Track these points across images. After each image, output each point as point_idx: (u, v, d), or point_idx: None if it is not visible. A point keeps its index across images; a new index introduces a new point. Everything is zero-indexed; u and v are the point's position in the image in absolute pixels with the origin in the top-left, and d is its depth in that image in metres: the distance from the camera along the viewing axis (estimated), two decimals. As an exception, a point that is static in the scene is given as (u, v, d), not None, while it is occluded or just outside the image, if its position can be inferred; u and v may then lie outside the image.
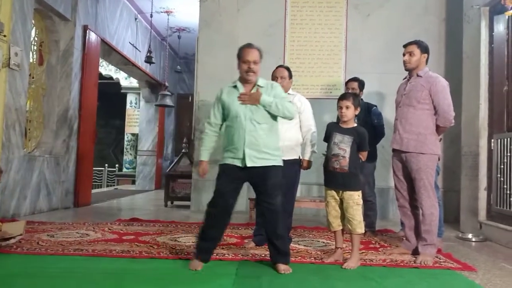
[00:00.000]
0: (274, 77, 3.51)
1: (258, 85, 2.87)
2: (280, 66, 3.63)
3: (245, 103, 2.77)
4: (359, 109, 3.08)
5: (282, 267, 2.75)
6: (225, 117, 2.90)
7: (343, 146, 2.98)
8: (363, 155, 3.07)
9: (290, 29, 5.92)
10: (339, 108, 3.03)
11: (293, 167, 3.42)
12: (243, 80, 2.88)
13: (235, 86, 2.89)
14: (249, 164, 2.75)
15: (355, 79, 4.25)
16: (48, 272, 2.58)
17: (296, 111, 3.40)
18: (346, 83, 4.35)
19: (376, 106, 4.29)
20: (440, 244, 3.62)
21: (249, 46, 2.88)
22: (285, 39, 5.90)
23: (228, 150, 2.84)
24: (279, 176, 2.84)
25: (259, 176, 2.79)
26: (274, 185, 2.80)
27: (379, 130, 4.18)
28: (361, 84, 4.24)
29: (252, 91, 2.82)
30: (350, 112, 3.01)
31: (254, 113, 2.78)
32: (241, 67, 2.86)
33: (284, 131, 3.37)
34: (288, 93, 3.51)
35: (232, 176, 2.80)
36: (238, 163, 2.77)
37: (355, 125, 3.10)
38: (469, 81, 4.81)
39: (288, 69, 3.58)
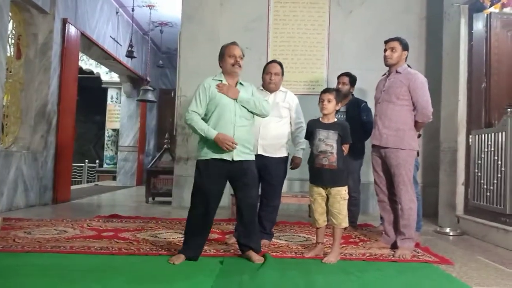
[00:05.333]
0: (267, 72, 3.46)
1: (240, 83, 2.97)
2: (274, 61, 3.55)
3: (221, 92, 2.84)
4: (340, 105, 3.10)
5: (257, 256, 2.85)
6: (206, 111, 2.90)
7: (330, 142, 2.98)
8: (346, 148, 3.08)
9: (273, 25, 5.91)
10: (321, 101, 3.04)
11: (283, 164, 3.46)
12: (228, 75, 2.95)
13: (220, 81, 2.93)
14: (236, 158, 2.82)
15: (346, 74, 4.28)
16: (24, 270, 2.52)
17: (287, 109, 3.43)
18: (338, 77, 4.36)
19: (366, 102, 4.30)
20: (418, 238, 3.68)
21: (234, 43, 3.00)
22: (268, 34, 5.89)
23: (211, 145, 2.82)
24: (255, 170, 2.98)
25: (241, 170, 2.86)
26: (254, 179, 2.94)
27: (368, 127, 4.18)
28: (352, 79, 4.27)
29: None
30: (331, 106, 3.02)
31: (242, 110, 2.88)
32: (227, 61, 2.91)
33: (274, 129, 3.38)
34: (280, 90, 3.52)
35: (216, 173, 2.83)
36: (226, 157, 2.81)
37: (336, 119, 3.12)
38: (449, 78, 4.88)
39: (281, 65, 3.54)
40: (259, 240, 3.04)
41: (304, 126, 3.46)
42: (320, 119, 3.11)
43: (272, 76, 3.43)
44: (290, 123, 3.51)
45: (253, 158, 2.96)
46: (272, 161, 3.36)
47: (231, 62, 2.90)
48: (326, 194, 3.02)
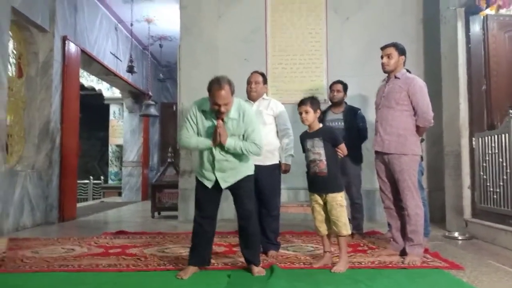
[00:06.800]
0: (248, 82, 3.58)
1: (230, 118, 2.81)
2: (255, 72, 3.69)
3: (218, 130, 2.72)
4: (319, 112, 3.12)
5: (256, 269, 2.84)
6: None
7: (317, 150, 3.03)
8: (341, 149, 3.07)
9: (271, 35, 5.95)
10: (299, 114, 3.09)
11: (275, 172, 3.48)
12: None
13: (206, 111, 2.84)
14: (223, 186, 2.86)
15: (339, 82, 4.33)
16: (33, 291, 2.53)
17: (272, 116, 3.49)
18: (331, 85, 4.41)
19: (360, 109, 4.36)
20: (427, 243, 3.66)
21: (219, 86, 2.68)
22: (267, 44, 5.93)
23: (201, 169, 2.90)
24: (251, 184, 2.96)
25: (232, 188, 2.90)
26: (248, 191, 2.93)
27: (362, 133, 4.24)
28: (345, 87, 4.32)
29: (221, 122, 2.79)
30: (310, 116, 3.05)
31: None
32: (212, 106, 2.76)
33: (262, 136, 3.38)
34: (263, 98, 3.60)
35: (208, 189, 2.88)
36: (209, 184, 2.86)
37: (320, 126, 3.15)
38: (448, 81, 4.89)
39: (263, 75, 3.66)
40: (257, 252, 2.98)
41: (291, 132, 3.55)
42: (307, 129, 3.15)
43: (252, 84, 3.55)
44: (277, 131, 3.55)
45: (246, 174, 2.91)
46: (262, 169, 3.33)
47: (215, 109, 2.74)
48: (324, 202, 3.03)
